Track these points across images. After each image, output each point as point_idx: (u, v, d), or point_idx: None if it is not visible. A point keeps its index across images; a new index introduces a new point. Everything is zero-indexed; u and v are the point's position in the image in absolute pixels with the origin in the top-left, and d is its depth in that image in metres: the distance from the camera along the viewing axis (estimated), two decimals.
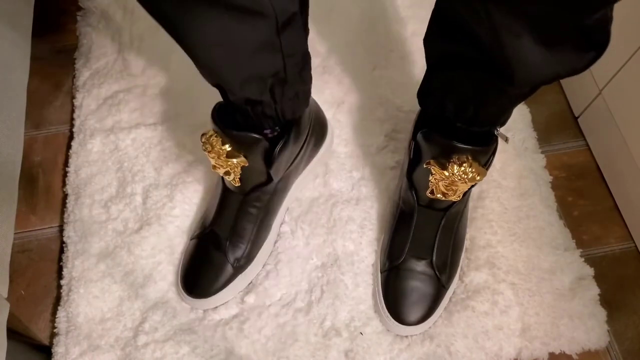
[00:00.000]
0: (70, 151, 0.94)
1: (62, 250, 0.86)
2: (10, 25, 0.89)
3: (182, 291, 0.79)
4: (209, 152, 0.71)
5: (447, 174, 0.68)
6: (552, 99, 0.99)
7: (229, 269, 0.79)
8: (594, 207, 0.90)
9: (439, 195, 0.72)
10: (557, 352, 0.78)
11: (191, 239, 0.82)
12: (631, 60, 0.80)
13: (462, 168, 0.67)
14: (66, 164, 0.93)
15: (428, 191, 0.73)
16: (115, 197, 0.89)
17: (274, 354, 0.78)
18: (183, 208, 0.87)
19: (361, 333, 0.79)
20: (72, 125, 0.96)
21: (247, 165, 0.71)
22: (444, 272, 0.78)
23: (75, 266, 0.83)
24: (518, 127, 0.94)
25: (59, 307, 0.81)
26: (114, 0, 1.07)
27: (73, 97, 0.99)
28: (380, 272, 0.80)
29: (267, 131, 0.71)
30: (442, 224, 0.77)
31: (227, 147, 0.70)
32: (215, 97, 0.74)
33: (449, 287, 0.79)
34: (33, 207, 0.90)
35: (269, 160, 0.72)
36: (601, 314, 0.80)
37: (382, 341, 0.78)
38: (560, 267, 0.83)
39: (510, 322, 0.79)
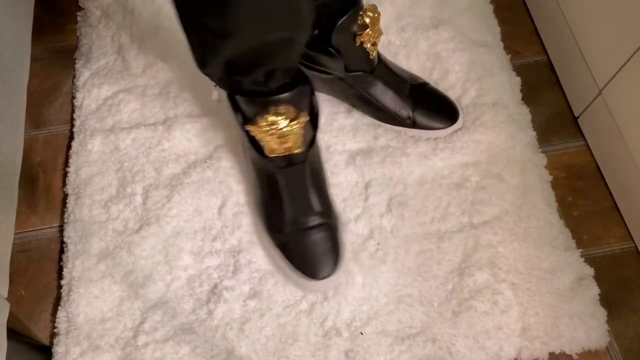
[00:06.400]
0: (71, 151, 0.94)
1: (62, 250, 0.86)
2: (10, 26, 0.89)
3: (315, 281, 0.79)
4: (275, 130, 0.70)
5: (369, 30, 0.80)
6: (552, 99, 1.00)
7: (332, 230, 0.81)
8: (594, 207, 0.90)
9: (374, 52, 0.85)
10: (557, 352, 0.78)
11: (281, 243, 0.81)
12: (631, 60, 0.80)
13: (367, 16, 0.80)
14: (66, 164, 0.93)
15: (370, 57, 0.84)
16: (115, 197, 0.89)
17: (274, 354, 0.78)
18: (180, 209, 0.87)
19: (361, 333, 0.79)
20: (72, 125, 0.96)
21: (307, 119, 0.72)
22: (418, 79, 0.94)
23: (75, 266, 0.83)
24: (518, 126, 0.94)
25: (59, 307, 0.82)
26: (114, 0, 1.07)
27: (73, 97, 0.99)
28: (409, 117, 0.91)
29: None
30: (388, 63, 0.90)
31: (285, 113, 0.69)
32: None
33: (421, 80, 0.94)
34: (33, 207, 0.90)
35: (313, 107, 0.74)
36: (601, 314, 0.80)
37: (382, 342, 0.78)
38: (561, 267, 0.83)
39: (510, 322, 0.79)
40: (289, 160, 0.77)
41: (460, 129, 0.92)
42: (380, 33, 0.83)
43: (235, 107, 0.72)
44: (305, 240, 0.80)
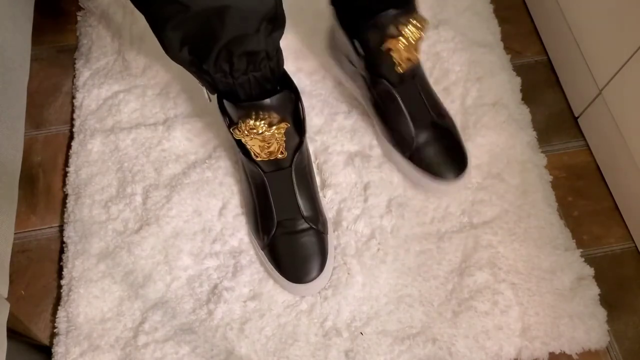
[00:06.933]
0: (71, 151, 0.94)
1: (62, 250, 0.86)
2: (10, 26, 0.89)
3: (297, 284, 0.79)
4: (254, 135, 0.70)
5: (403, 39, 0.74)
6: (552, 99, 1.00)
7: (317, 236, 0.81)
8: (594, 207, 0.90)
9: (405, 66, 0.78)
10: (557, 352, 0.78)
11: (264, 248, 0.82)
12: (631, 60, 0.80)
13: (411, 25, 0.74)
14: (66, 164, 0.93)
15: (396, 68, 0.78)
16: (115, 197, 0.89)
17: (274, 354, 0.78)
18: (179, 210, 0.87)
19: (361, 333, 0.79)
20: (72, 126, 0.96)
21: (289, 126, 0.72)
22: (445, 119, 0.86)
23: (75, 266, 0.83)
24: (518, 126, 0.94)
25: (59, 307, 0.82)
26: (114, 0, 1.07)
27: (73, 97, 0.99)
28: (408, 160, 0.85)
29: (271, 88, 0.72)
30: (420, 87, 0.84)
31: (266, 118, 0.70)
32: (215, 95, 0.74)
33: (455, 125, 0.86)
34: (33, 207, 0.90)
35: (298, 113, 0.73)
36: (601, 314, 0.80)
37: (382, 342, 0.78)
38: (561, 267, 0.83)
39: (510, 322, 0.79)
40: (275, 164, 0.78)
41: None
42: (417, 51, 0.77)
43: (223, 111, 0.73)
44: (291, 244, 0.80)
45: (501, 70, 0.99)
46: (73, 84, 1.01)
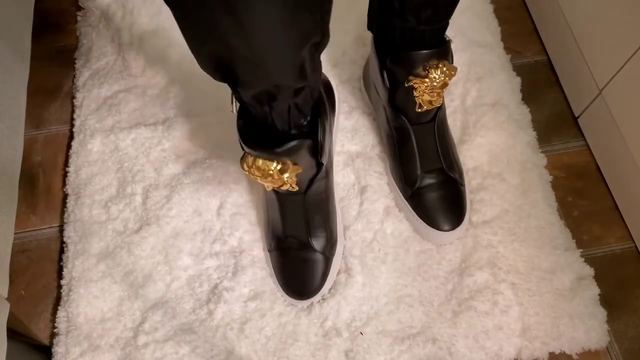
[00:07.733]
0: (71, 151, 0.94)
1: (62, 250, 0.86)
2: (10, 26, 0.90)
3: (291, 298, 0.80)
4: (259, 177, 0.67)
5: (428, 81, 0.73)
6: (552, 99, 1.00)
7: (322, 260, 0.80)
8: (594, 207, 0.90)
9: (425, 107, 0.78)
10: (557, 352, 0.78)
11: (270, 251, 0.82)
12: (631, 60, 0.80)
13: (439, 70, 0.73)
14: (66, 164, 0.93)
15: (416, 107, 0.77)
16: (115, 197, 0.89)
17: (274, 354, 0.78)
18: (179, 209, 0.87)
19: (361, 333, 0.79)
20: (72, 125, 0.96)
21: (300, 171, 0.69)
22: (454, 172, 0.84)
23: (75, 266, 0.84)
24: (518, 126, 0.94)
25: (59, 307, 0.82)
26: (114, 0, 1.07)
27: (73, 97, 0.99)
28: (407, 199, 0.84)
29: (302, 122, 0.68)
30: (437, 131, 0.82)
31: (277, 166, 0.66)
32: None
33: (463, 181, 0.85)
34: (33, 207, 0.90)
35: (317, 151, 0.71)
36: (601, 314, 0.80)
37: (382, 342, 0.78)
38: (561, 267, 0.83)
39: (510, 322, 0.79)
40: (288, 192, 0.75)
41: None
42: (439, 96, 0.76)
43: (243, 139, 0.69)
44: (294, 262, 0.80)
45: (501, 70, 0.99)
46: (73, 84, 1.01)
